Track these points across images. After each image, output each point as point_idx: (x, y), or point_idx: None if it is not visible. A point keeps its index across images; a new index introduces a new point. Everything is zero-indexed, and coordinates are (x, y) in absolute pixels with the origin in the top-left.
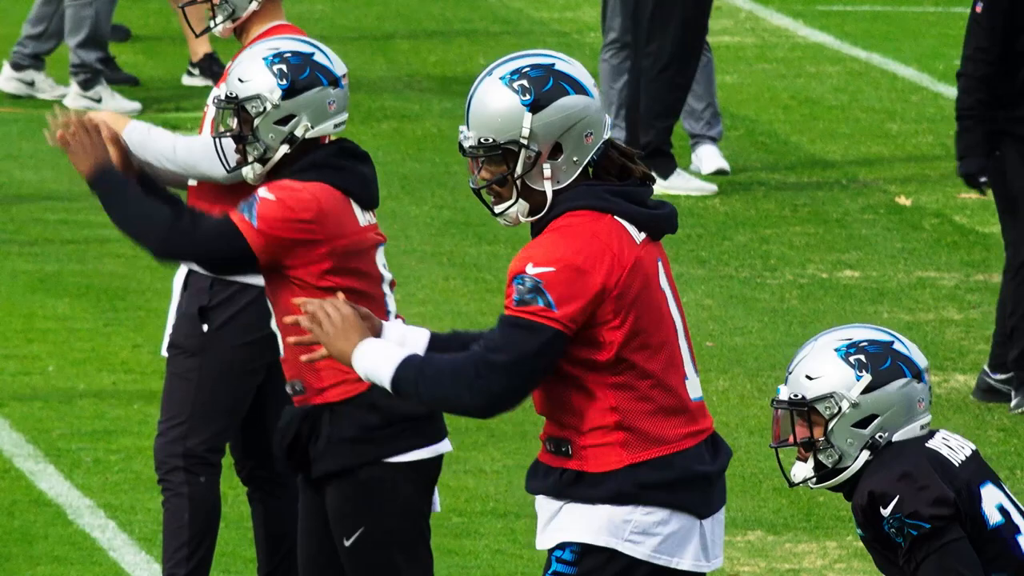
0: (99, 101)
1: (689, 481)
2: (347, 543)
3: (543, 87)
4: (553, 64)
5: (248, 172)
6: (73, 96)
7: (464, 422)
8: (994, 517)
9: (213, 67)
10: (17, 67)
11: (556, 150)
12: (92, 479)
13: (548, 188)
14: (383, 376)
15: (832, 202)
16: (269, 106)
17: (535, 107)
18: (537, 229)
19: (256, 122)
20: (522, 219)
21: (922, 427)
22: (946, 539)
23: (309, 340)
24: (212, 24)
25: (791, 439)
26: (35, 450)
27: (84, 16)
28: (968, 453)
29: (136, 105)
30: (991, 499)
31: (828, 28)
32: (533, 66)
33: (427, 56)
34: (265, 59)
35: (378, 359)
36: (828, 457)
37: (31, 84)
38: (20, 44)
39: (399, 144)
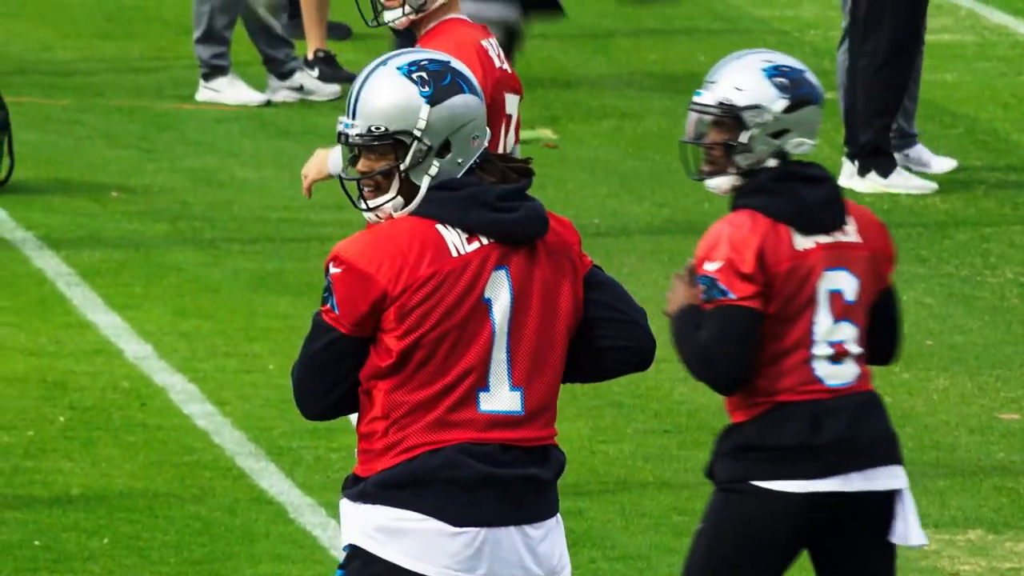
0: (218, 92)
1: (426, 484)
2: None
3: (442, 81)
4: (449, 61)
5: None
6: (200, 90)
7: (695, 419)
8: None
9: (329, 67)
10: (282, 76)
11: (444, 148)
12: (313, 477)
13: (425, 184)
14: None
15: None
16: (769, 117)
17: (433, 100)
18: None
19: (752, 132)
20: (395, 214)
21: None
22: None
23: None
24: (393, 14)
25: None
26: (256, 448)
27: (201, 12)
28: None
29: (262, 97)
30: None
31: None
32: (431, 60)
33: (647, 54)
34: (764, 70)
35: None
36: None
37: (300, 89)
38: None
39: (619, 142)
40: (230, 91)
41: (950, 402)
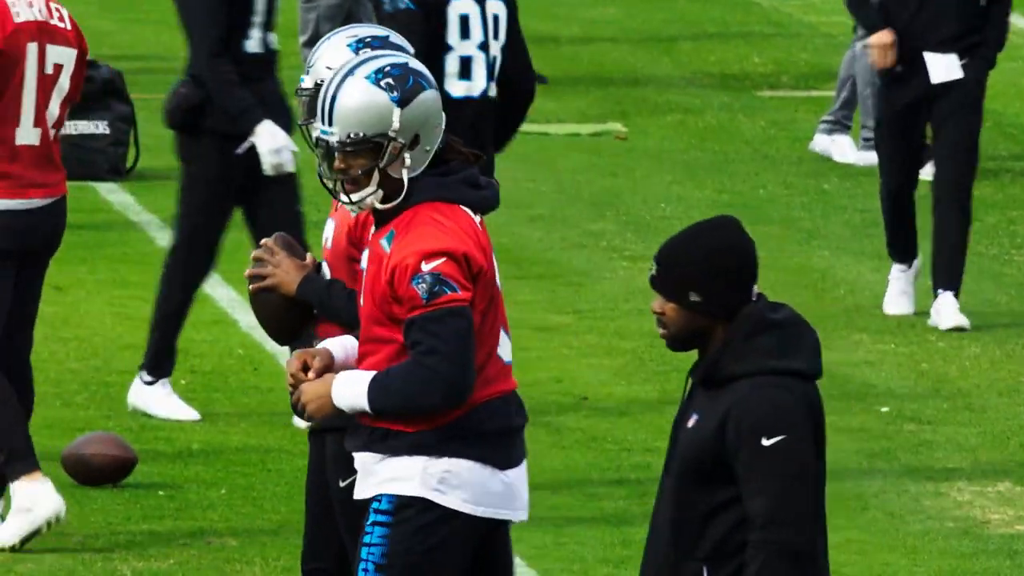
0: None
1: (479, 435)
2: (341, 484)
3: (406, 84)
4: (407, 62)
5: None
6: None
7: None
8: None
9: None
10: None
11: (415, 141)
12: None
13: (406, 176)
14: (363, 405)
15: None
16: None
17: (403, 103)
18: (388, 215)
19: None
20: (378, 206)
21: None
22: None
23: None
24: None
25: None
26: None
27: (308, 19)
28: None
29: None
30: None
31: None
32: (392, 65)
33: (708, 56)
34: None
35: (353, 392)
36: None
37: None
38: None
39: (683, 135)
40: None
41: (981, 368)
